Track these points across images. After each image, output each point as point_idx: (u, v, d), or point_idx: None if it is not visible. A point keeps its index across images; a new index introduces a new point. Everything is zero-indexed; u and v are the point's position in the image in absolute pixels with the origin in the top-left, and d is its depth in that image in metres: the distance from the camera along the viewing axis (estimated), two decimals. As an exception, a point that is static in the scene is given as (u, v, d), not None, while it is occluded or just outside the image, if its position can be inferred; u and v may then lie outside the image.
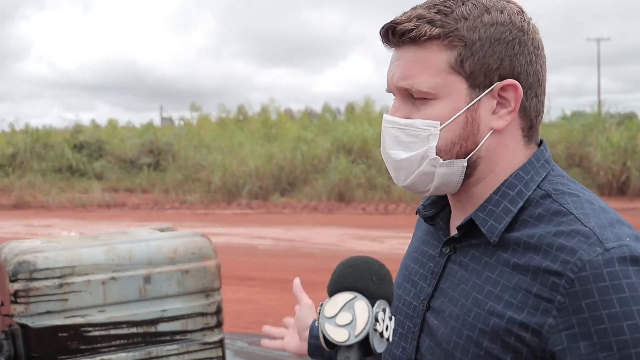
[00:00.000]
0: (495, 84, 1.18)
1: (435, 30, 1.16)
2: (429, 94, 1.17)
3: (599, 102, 25.65)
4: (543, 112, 1.26)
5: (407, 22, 1.17)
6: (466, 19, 1.17)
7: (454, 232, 1.29)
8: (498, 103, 1.20)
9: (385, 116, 1.24)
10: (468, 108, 1.18)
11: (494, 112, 1.20)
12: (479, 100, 1.18)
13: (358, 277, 0.99)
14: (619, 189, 19.86)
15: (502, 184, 1.22)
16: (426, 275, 1.31)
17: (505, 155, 1.23)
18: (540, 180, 1.21)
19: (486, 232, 1.19)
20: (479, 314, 1.16)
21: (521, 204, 1.19)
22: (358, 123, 25.19)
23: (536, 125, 1.25)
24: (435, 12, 1.17)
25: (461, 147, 1.20)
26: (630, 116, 24.17)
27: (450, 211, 1.34)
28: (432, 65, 1.17)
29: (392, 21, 1.19)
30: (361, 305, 0.96)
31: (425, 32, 1.16)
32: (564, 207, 1.16)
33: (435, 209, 1.35)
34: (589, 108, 26.77)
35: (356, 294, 0.98)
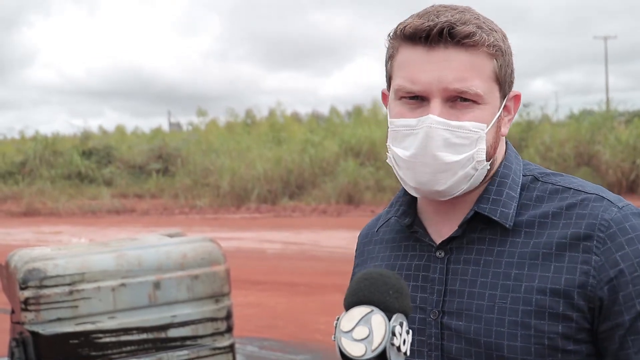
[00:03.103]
0: (509, 93, 1.28)
1: (491, 39, 1.19)
2: (482, 97, 1.20)
3: (607, 100, 25.60)
4: None
5: (464, 25, 1.17)
6: (496, 31, 1.22)
7: (437, 238, 1.30)
8: (504, 110, 1.28)
9: (432, 117, 1.18)
10: (500, 114, 1.25)
11: (502, 119, 1.28)
12: (503, 107, 1.27)
13: (375, 290, 0.99)
14: (629, 187, 19.75)
15: (495, 175, 1.29)
16: (423, 285, 1.29)
17: (499, 154, 1.31)
18: (522, 167, 1.31)
19: (499, 220, 1.23)
20: (517, 297, 1.19)
21: (518, 189, 1.27)
22: (365, 125, 25.17)
23: None
24: (474, 19, 1.20)
25: (491, 150, 1.25)
26: (638, 114, 23.99)
27: (418, 219, 1.34)
28: (484, 71, 1.20)
29: (447, 21, 1.17)
30: (378, 319, 0.95)
31: (484, 38, 1.18)
32: (558, 185, 1.26)
33: (410, 218, 1.34)
34: (597, 106, 26.61)
35: (373, 307, 0.97)
